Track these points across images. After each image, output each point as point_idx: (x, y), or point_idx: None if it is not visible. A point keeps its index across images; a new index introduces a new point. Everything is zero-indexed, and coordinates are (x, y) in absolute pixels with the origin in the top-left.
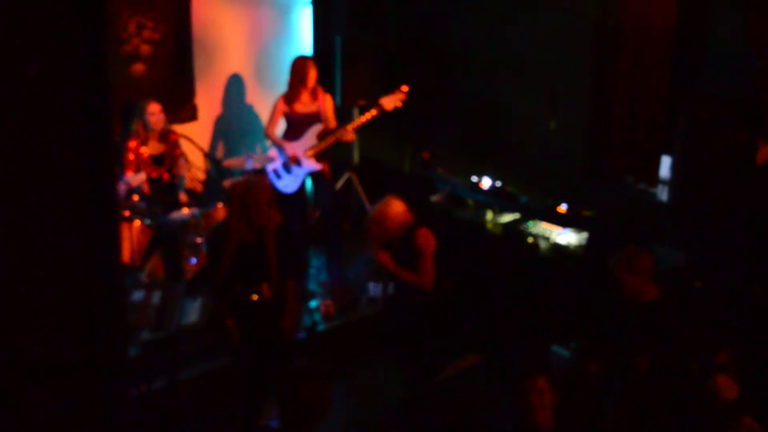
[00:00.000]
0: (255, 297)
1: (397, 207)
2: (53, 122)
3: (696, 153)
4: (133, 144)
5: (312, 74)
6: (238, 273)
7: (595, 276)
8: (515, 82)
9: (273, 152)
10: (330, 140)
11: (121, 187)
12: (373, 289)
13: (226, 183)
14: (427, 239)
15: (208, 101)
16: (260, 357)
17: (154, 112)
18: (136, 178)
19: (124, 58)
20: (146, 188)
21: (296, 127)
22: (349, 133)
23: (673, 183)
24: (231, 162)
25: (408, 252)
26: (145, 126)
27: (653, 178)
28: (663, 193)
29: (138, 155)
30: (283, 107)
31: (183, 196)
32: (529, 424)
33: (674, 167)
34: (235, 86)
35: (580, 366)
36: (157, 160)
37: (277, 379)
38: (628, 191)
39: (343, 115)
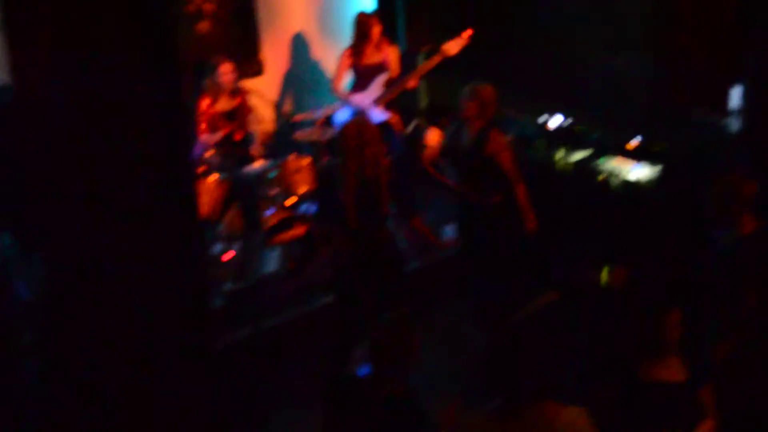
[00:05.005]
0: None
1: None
2: (127, 85)
3: (766, 81)
4: (204, 102)
5: (376, 29)
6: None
7: (671, 209)
8: (581, 17)
9: (339, 104)
10: (396, 89)
11: (199, 149)
12: (449, 232)
13: (298, 135)
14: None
15: (274, 56)
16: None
17: (226, 71)
18: (212, 138)
19: (189, 17)
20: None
21: (363, 78)
22: (412, 81)
23: (744, 113)
24: (300, 117)
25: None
26: (216, 85)
27: (724, 109)
28: (734, 124)
29: (209, 113)
30: (348, 61)
31: (255, 151)
32: (660, 357)
33: (745, 97)
34: (299, 40)
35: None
36: (228, 116)
37: (368, 326)
38: (699, 123)
39: (408, 62)
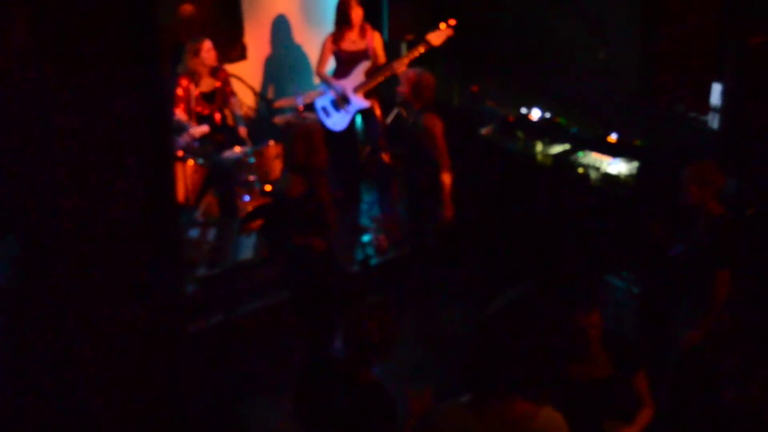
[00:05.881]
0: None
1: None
2: (107, 66)
3: (747, 79)
4: (184, 82)
5: (356, 13)
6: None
7: (647, 204)
8: (564, 11)
9: (321, 90)
10: (379, 77)
11: (185, 139)
12: None
13: (278, 120)
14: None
15: (257, 41)
16: (318, 296)
17: (209, 48)
18: (198, 129)
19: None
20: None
21: (345, 64)
22: (395, 70)
23: (724, 110)
24: (282, 102)
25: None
26: (197, 65)
27: (704, 106)
28: (714, 121)
29: (188, 93)
30: (331, 46)
31: (243, 131)
32: (583, 356)
33: (725, 94)
34: (283, 25)
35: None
36: (207, 97)
37: (342, 313)
38: (679, 120)
39: (391, 51)
